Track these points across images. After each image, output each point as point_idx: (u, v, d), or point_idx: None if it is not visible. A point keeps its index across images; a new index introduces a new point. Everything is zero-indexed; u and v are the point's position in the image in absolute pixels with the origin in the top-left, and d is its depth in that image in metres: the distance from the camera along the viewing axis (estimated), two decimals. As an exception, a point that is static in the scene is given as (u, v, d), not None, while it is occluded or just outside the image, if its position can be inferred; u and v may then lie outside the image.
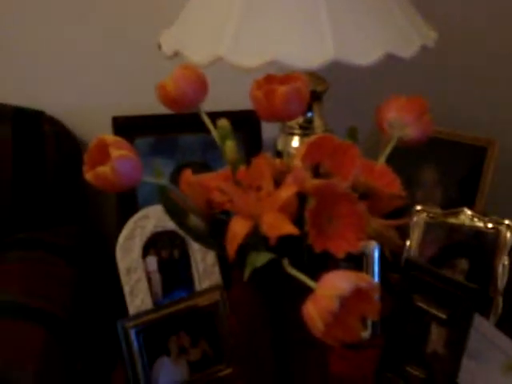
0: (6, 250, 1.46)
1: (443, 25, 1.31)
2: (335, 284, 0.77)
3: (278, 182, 0.89)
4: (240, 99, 1.22)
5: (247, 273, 0.85)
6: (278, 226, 0.84)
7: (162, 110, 1.02)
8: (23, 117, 1.54)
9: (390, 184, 0.95)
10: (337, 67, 1.11)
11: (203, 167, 1.45)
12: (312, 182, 0.81)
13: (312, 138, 0.83)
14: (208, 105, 0.99)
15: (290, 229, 0.83)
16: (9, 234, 1.51)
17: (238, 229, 0.85)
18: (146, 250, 1.30)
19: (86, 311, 1.41)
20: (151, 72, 1.20)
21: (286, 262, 0.85)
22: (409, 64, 1.19)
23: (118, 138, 0.85)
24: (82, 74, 1.63)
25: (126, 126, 1.47)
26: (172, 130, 1.50)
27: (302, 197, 0.87)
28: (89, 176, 0.84)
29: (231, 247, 0.86)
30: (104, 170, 0.82)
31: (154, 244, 1.31)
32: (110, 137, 0.84)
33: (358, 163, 0.84)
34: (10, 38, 1.59)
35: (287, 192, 0.85)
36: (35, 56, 1.61)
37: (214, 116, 0.97)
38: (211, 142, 1.30)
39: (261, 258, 0.85)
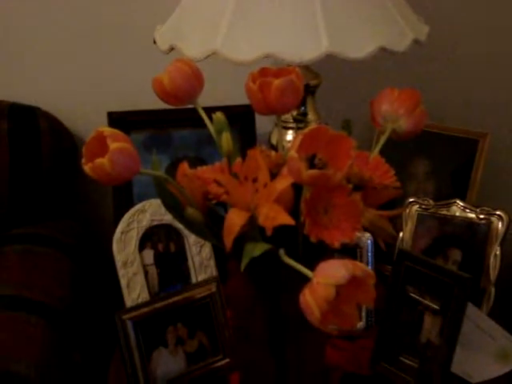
0: (5, 244, 1.48)
1: (435, 19, 1.33)
2: (332, 272, 0.78)
3: (273, 174, 0.90)
4: (235, 94, 1.24)
5: (244, 263, 0.85)
6: (274, 216, 0.85)
7: (157, 105, 1.04)
8: (19, 113, 1.54)
9: (383, 175, 0.96)
10: (331, 61, 1.12)
11: (198, 162, 1.46)
12: (307, 173, 0.82)
13: (307, 129, 0.84)
14: (202, 100, 1.00)
15: (286, 219, 0.84)
16: (6, 229, 1.52)
17: (235, 220, 0.86)
18: (143, 244, 1.31)
19: (84, 304, 1.42)
20: (147, 67, 1.21)
21: (282, 252, 0.86)
22: (402, 57, 1.20)
23: (116, 131, 0.86)
24: (78, 70, 1.63)
25: (120, 121, 1.47)
26: (167, 125, 1.50)
27: (297, 188, 0.88)
28: (87, 168, 0.84)
29: (228, 238, 0.86)
30: (102, 161, 0.83)
31: (151, 237, 1.32)
32: (107, 129, 0.85)
33: (353, 154, 0.84)
34: (5, 36, 1.60)
35: (283, 183, 0.86)
36: (30, 53, 1.62)
37: (209, 111, 0.98)
38: (205, 138, 1.31)
39: (257, 249, 0.86)
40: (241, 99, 1.07)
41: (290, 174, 0.85)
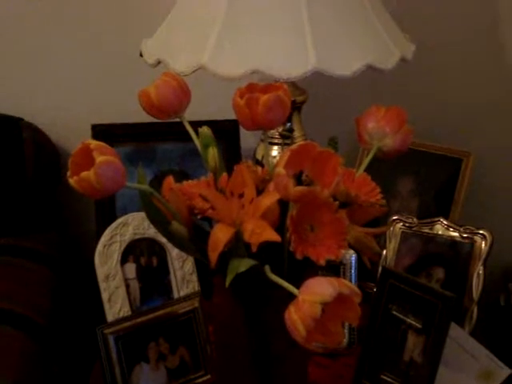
0: (-16, 255, 1.46)
1: (421, 37, 1.34)
2: (318, 290, 0.78)
3: (259, 190, 0.90)
4: (220, 109, 1.24)
5: (229, 279, 0.85)
6: (260, 232, 0.84)
7: (141, 118, 1.03)
8: (2, 123, 1.53)
9: (369, 193, 0.96)
10: (318, 77, 1.12)
11: (182, 175, 1.45)
12: (294, 190, 0.82)
13: (295, 145, 0.84)
14: (188, 114, 0.99)
15: (271, 236, 0.84)
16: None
17: (220, 235, 0.86)
18: (125, 257, 1.30)
19: (64, 317, 1.41)
20: (132, 80, 1.20)
21: (267, 269, 0.86)
22: (388, 75, 1.21)
23: (102, 144, 0.85)
24: (62, 82, 1.63)
25: (104, 134, 1.47)
26: (150, 139, 1.50)
27: (283, 204, 0.88)
28: (72, 181, 0.83)
29: (213, 254, 0.86)
30: (88, 174, 0.82)
31: (133, 251, 1.31)
32: (94, 142, 0.84)
33: (340, 171, 0.84)
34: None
35: (269, 199, 0.86)
36: (14, 65, 1.61)
37: (194, 125, 0.98)
38: (189, 151, 1.30)
39: (243, 265, 0.85)
40: (227, 114, 1.07)
41: (277, 190, 0.85)
